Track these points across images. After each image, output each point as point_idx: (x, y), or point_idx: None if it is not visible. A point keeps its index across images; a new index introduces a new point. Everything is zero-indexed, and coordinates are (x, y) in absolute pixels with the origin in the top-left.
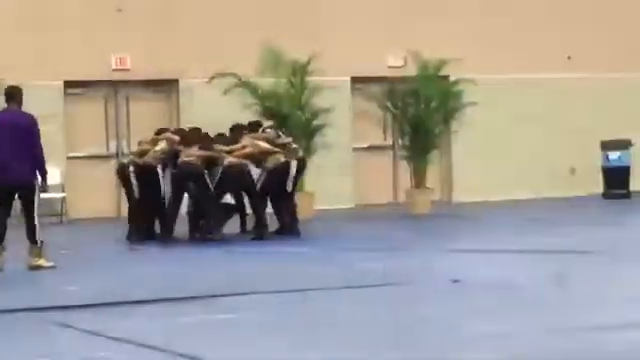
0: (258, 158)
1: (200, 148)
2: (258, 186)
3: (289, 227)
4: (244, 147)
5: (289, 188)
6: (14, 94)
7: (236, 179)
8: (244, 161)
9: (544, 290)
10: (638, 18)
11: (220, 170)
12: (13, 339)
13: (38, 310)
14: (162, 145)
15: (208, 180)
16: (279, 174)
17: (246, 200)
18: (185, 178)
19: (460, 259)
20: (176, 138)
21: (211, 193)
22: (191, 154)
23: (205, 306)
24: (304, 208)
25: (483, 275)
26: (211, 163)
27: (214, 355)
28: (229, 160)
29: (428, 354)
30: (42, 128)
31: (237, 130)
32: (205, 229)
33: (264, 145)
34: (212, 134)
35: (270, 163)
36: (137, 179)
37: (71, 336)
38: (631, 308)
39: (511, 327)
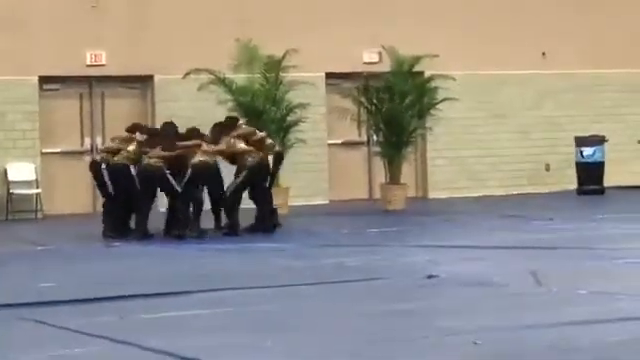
0: (234, 156)
1: (163, 148)
2: (238, 181)
3: (267, 219)
4: (199, 145)
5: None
6: None
7: (203, 176)
8: (215, 158)
9: (518, 286)
10: (611, 15)
11: (190, 167)
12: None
13: (12, 307)
14: (132, 147)
15: (172, 180)
16: (261, 170)
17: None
18: (148, 180)
19: (435, 255)
20: (143, 140)
21: (178, 191)
22: (153, 155)
23: (178, 302)
24: (279, 204)
25: (458, 271)
26: (179, 161)
27: (189, 352)
28: (199, 158)
29: (399, 350)
30: (18, 124)
31: (217, 129)
32: (181, 225)
33: (241, 146)
34: (184, 130)
35: (251, 160)
36: (110, 177)
37: (45, 333)
38: (602, 303)
39: (485, 322)
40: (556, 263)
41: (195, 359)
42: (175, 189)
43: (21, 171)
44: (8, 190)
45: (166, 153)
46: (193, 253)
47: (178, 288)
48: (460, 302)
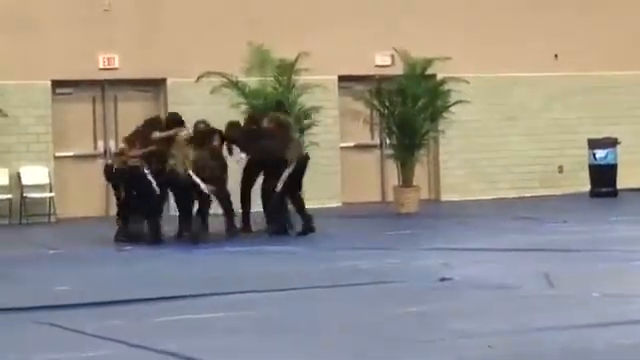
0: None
1: (141, 145)
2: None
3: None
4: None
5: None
6: None
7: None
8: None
9: (532, 288)
10: (622, 17)
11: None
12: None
13: (27, 310)
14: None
15: (150, 178)
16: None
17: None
18: (128, 182)
19: (449, 257)
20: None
21: (155, 190)
22: (132, 155)
23: (192, 305)
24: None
25: (471, 274)
26: (158, 157)
27: (204, 354)
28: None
29: (412, 352)
30: (31, 127)
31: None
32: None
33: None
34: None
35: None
36: (122, 180)
37: (60, 336)
38: (616, 305)
39: (498, 325)
40: (569, 265)
41: None
42: (152, 190)
43: (34, 175)
44: (22, 194)
45: (143, 150)
46: (205, 256)
47: (190, 291)
48: (473, 305)
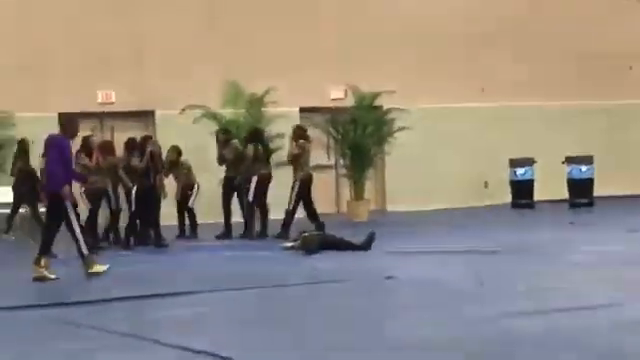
0: None
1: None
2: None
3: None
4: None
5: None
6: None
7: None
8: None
9: (464, 284)
10: (538, 56)
11: None
12: (17, 336)
13: (40, 307)
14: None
15: (111, 194)
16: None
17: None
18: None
19: (393, 259)
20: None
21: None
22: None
23: (185, 300)
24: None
25: (412, 272)
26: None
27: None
28: None
29: (359, 337)
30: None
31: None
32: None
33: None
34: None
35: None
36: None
37: (72, 332)
38: (535, 298)
39: (436, 316)
40: (496, 265)
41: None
42: (114, 204)
43: None
44: None
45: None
46: (202, 259)
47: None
48: (412, 298)
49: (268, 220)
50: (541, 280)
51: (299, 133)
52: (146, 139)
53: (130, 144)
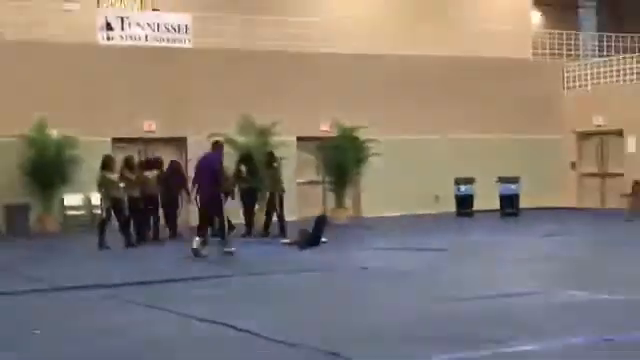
0: None
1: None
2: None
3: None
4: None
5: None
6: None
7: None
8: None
9: (422, 274)
10: (483, 99)
11: None
12: (81, 310)
13: (102, 287)
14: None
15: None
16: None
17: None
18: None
19: (368, 254)
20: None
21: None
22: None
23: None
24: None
25: (382, 264)
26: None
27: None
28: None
29: (333, 317)
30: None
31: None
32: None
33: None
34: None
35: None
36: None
37: (125, 308)
38: (475, 286)
39: (401, 298)
40: (444, 259)
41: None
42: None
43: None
44: (91, 211)
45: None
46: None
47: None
48: (384, 284)
49: (286, 225)
50: (478, 271)
51: (267, 159)
52: (157, 159)
53: (150, 163)
